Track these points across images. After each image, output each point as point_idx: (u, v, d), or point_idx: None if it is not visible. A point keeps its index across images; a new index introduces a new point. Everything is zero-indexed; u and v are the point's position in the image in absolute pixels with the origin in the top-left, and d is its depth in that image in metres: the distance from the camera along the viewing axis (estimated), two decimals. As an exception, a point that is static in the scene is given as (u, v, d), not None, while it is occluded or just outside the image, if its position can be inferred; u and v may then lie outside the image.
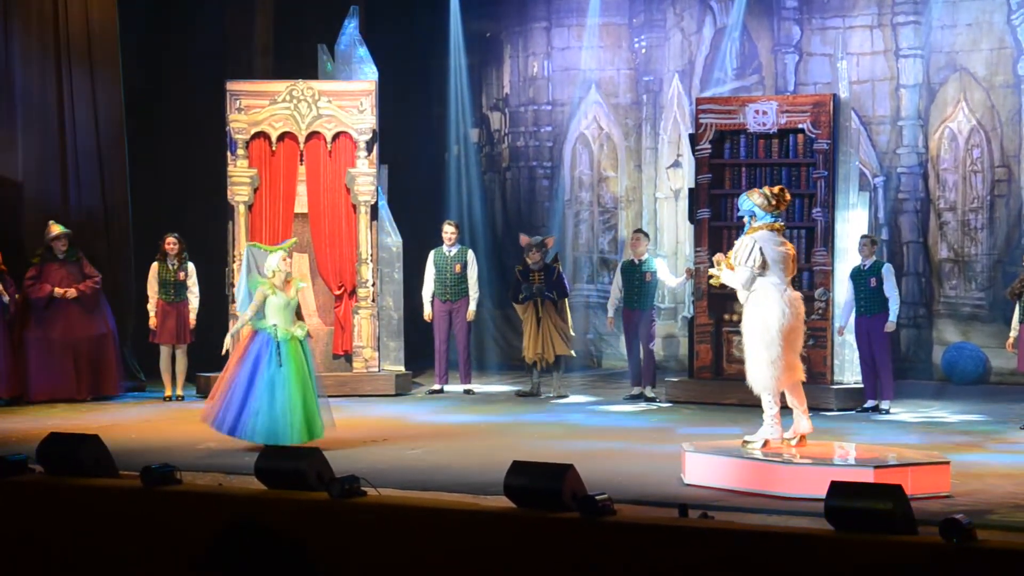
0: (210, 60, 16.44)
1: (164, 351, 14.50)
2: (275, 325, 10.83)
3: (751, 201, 9.64)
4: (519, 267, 14.86)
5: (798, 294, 9.77)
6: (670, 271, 15.46)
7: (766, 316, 9.47)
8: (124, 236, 15.59)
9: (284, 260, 11.05)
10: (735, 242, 10.00)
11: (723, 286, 10.02)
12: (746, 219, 9.73)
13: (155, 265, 14.47)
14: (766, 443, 9.53)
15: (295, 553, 3.92)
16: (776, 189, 9.73)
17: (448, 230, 15.27)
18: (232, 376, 10.83)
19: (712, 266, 9.97)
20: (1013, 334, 12.96)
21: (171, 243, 14.43)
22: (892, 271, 13.76)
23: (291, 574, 3.89)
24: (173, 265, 14.44)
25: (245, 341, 11.02)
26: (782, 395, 9.68)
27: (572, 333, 14.98)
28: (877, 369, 13.52)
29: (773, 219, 9.63)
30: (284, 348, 10.76)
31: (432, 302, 15.22)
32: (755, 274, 9.50)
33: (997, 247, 16.08)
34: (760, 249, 9.49)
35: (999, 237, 16.08)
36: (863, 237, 13.82)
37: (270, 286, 10.91)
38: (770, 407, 9.57)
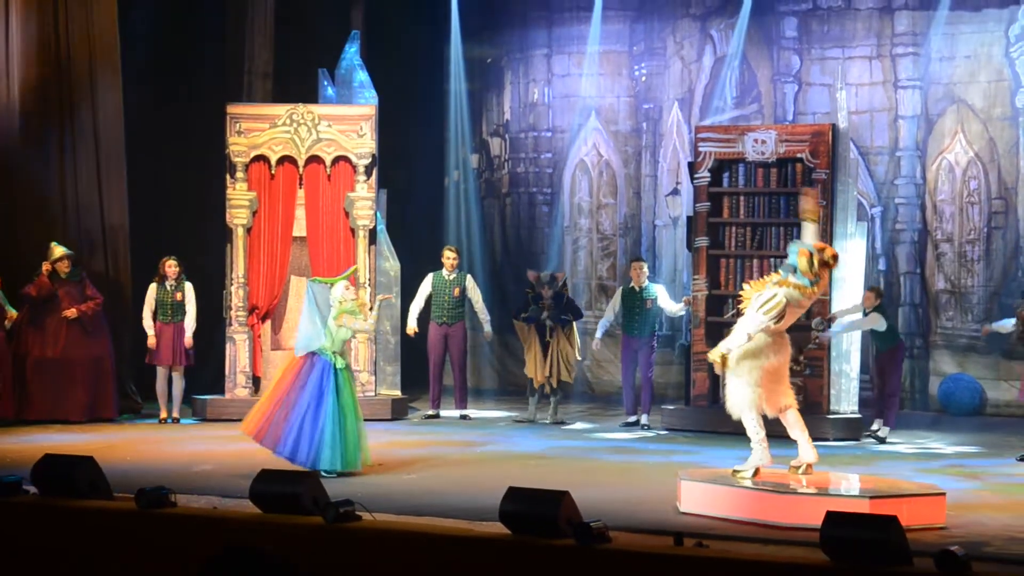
0: (210, 83, 16.48)
1: (161, 372, 14.50)
2: (334, 353, 10.91)
3: (796, 258, 9.41)
4: (529, 291, 14.84)
5: (787, 337, 9.70)
6: (669, 297, 15.49)
7: (755, 345, 9.43)
8: (122, 257, 15.58)
9: (347, 288, 11.11)
10: (764, 280, 9.75)
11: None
12: (785, 270, 9.52)
13: (153, 287, 14.48)
14: (757, 471, 9.46)
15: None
16: (829, 255, 9.47)
17: (450, 255, 15.25)
18: (292, 397, 10.79)
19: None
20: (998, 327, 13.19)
21: (171, 266, 14.45)
22: (875, 320, 13.68)
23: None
24: (171, 287, 14.46)
25: (298, 366, 10.95)
26: (780, 425, 9.66)
27: (579, 357, 15.04)
28: (885, 395, 13.61)
29: (808, 284, 9.41)
30: (341, 376, 10.89)
31: (429, 325, 15.20)
32: (768, 325, 9.39)
33: (994, 279, 16.10)
34: (784, 305, 9.39)
35: (996, 269, 16.10)
36: (869, 288, 13.93)
37: (346, 312, 10.95)
38: (755, 432, 9.48)
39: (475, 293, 15.23)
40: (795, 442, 9.63)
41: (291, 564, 3.91)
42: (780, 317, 9.37)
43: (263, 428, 10.81)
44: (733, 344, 9.45)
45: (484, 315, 15.22)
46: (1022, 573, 7.08)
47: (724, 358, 9.44)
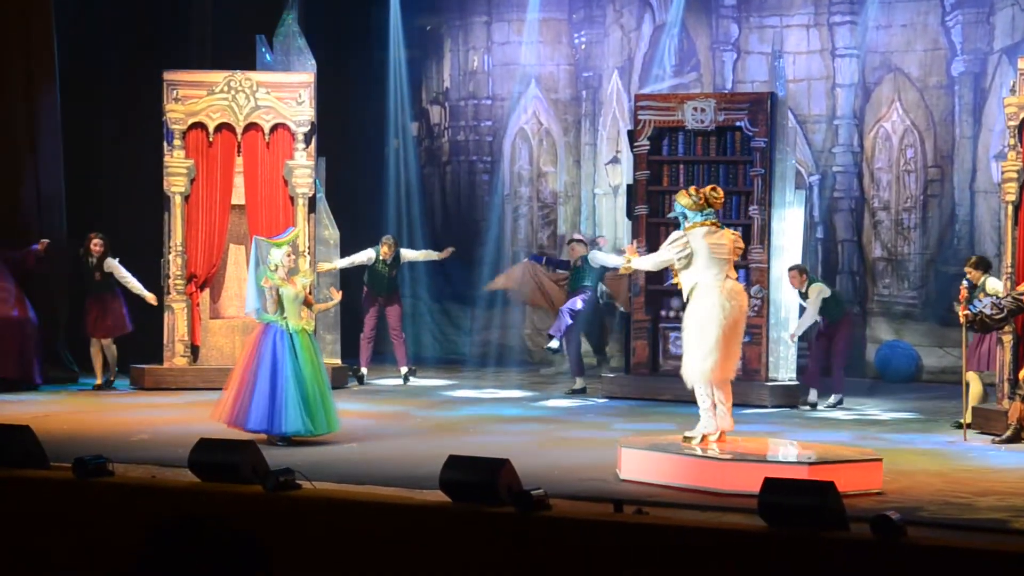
0: (148, 49, 16.28)
1: (94, 341, 14.45)
2: (284, 318, 10.84)
3: (679, 204, 9.69)
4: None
5: (740, 286, 9.78)
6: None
7: (707, 308, 9.47)
8: (58, 227, 15.39)
9: (288, 255, 11.03)
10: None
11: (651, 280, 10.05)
12: (680, 220, 9.73)
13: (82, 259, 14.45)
14: (704, 438, 9.53)
15: (245, 545, 3.88)
16: (707, 189, 9.74)
17: (388, 245, 15.26)
18: (251, 374, 10.76)
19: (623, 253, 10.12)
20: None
21: (96, 244, 14.33)
22: (818, 291, 13.69)
23: (242, 565, 3.85)
24: (92, 263, 14.37)
25: (255, 336, 10.95)
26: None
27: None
28: (834, 366, 13.72)
29: (703, 217, 9.58)
30: (297, 340, 10.81)
31: (363, 289, 15.36)
32: (674, 259, 9.52)
33: (930, 247, 16.24)
34: (687, 241, 9.51)
35: (931, 237, 16.24)
36: (791, 268, 13.85)
37: (278, 279, 10.90)
38: (703, 400, 9.58)
39: (410, 253, 15.70)
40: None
41: (232, 528, 3.89)
42: (686, 251, 9.48)
43: (232, 412, 10.76)
44: (644, 263, 10.15)
45: (432, 255, 15.84)
46: (956, 537, 7.17)
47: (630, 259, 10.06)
